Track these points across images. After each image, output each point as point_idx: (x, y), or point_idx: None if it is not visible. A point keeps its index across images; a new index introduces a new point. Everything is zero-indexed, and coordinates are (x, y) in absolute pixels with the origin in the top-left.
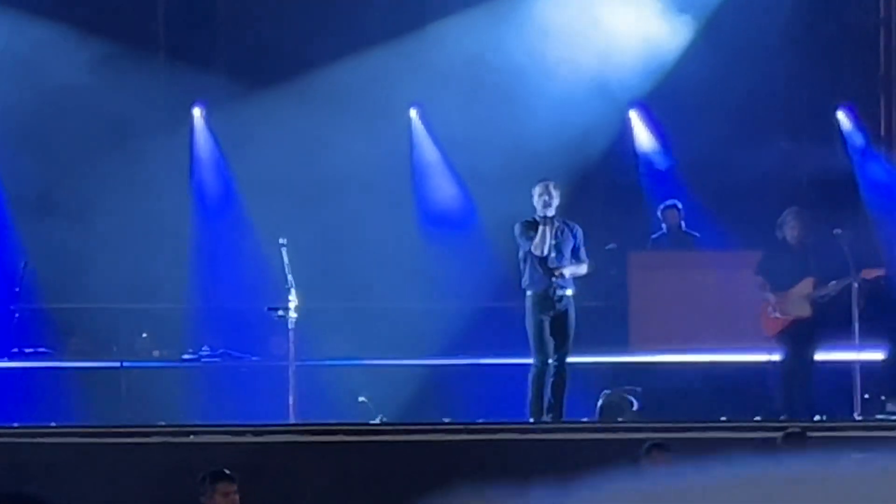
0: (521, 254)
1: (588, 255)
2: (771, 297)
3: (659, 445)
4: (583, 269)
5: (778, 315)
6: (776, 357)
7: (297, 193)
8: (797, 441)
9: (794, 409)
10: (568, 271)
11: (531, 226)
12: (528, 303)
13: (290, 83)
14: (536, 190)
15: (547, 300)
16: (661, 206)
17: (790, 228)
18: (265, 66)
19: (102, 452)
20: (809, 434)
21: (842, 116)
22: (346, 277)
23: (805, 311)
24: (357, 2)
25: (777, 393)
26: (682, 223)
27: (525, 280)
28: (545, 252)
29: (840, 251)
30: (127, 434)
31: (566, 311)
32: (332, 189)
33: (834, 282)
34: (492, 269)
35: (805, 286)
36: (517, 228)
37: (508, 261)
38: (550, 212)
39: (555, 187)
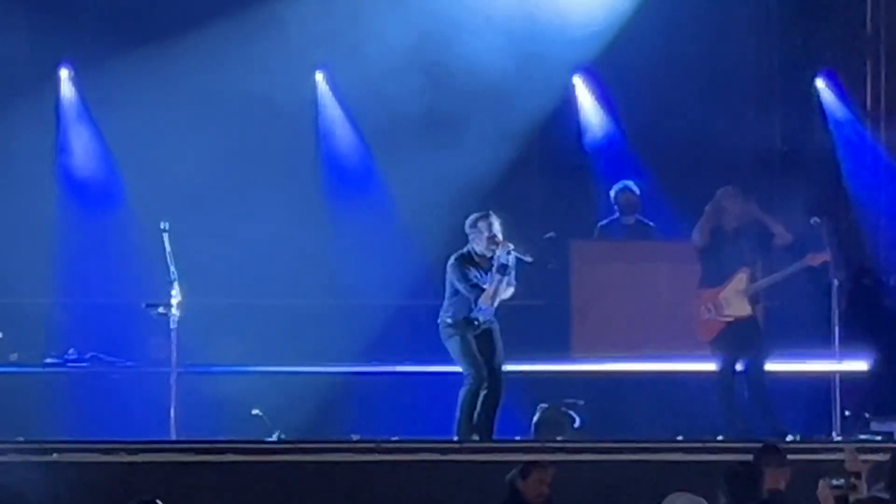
0: (450, 289)
1: (525, 250)
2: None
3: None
4: (509, 292)
5: (709, 317)
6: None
7: (182, 169)
8: (777, 463)
9: (738, 427)
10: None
11: (472, 265)
12: (448, 330)
13: (175, 39)
14: (482, 228)
15: (469, 324)
16: (615, 189)
17: (729, 211)
18: (145, 19)
19: None
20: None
21: (821, 85)
22: (238, 269)
23: (743, 309)
24: None
25: (716, 408)
26: (638, 209)
27: (447, 314)
28: (496, 304)
29: (818, 242)
30: None
31: (491, 323)
32: (224, 164)
33: (777, 273)
34: (410, 261)
35: (739, 281)
36: (455, 268)
37: (430, 252)
38: (503, 254)
39: (496, 219)
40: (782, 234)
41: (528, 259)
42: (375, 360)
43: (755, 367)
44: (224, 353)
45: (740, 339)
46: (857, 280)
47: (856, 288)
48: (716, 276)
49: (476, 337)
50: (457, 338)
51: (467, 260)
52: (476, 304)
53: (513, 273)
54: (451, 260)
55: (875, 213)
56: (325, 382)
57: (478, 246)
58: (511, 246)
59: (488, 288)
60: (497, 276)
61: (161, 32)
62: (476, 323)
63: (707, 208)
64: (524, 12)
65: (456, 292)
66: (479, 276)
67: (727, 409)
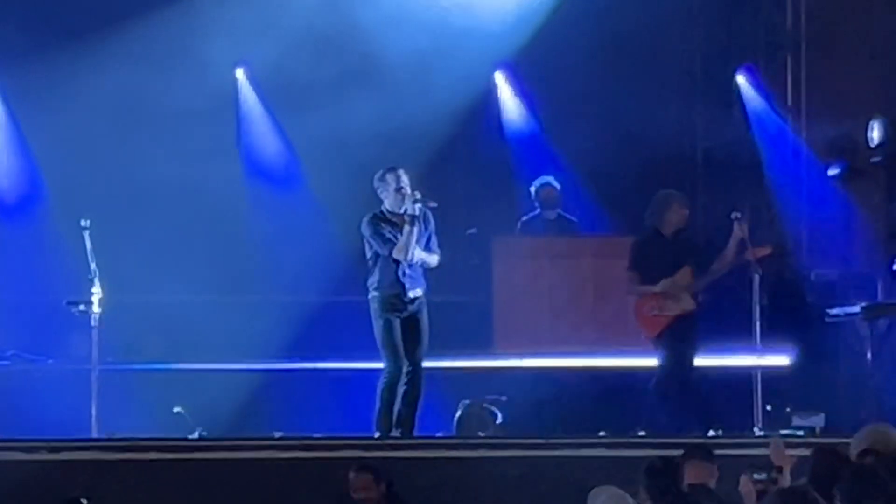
0: (369, 252)
1: (444, 242)
2: (649, 289)
3: None
4: (433, 259)
5: (657, 313)
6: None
7: (104, 165)
8: (702, 457)
9: (682, 421)
10: (418, 255)
11: (385, 222)
12: (374, 304)
13: (95, 39)
14: (389, 180)
15: (397, 300)
16: (536, 185)
17: (665, 214)
18: (66, 17)
19: None
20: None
21: (742, 80)
22: (159, 265)
23: (688, 304)
24: None
25: (659, 403)
26: (559, 204)
27: (372, 280)
28: (410, 258)
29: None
30: None
31: (419, 312)
32: (145, 160)
33: (715, 265)
34: (332, 258)
35: (683, 276)
36: (367, 226)
37: (351, 248)
38: (406, 206)
39: (404, 174)
40: (754, 266)
41: (433, 204)
42: (297, 356)
43: (690, 362)
44: (145, 351)
45: (683, 334)
46: (778, 274)
47: (777, 282)
48: (658, 275)
49: (403, 321)
50: (381, 321)
51: (379, 217)
52: (397, 265)
53: (434, 238)
54: (364, 220)
55: (796, 207)
56: (247, 379)
57: (388, 201)
58: (418, 194)
59: (401, 240)
60: (407, 228)
61: (81, 32)
62: (404, 300)
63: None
64: (445, 7)
65: (376, 255)
66: (392, 232)
67: (671, 404)
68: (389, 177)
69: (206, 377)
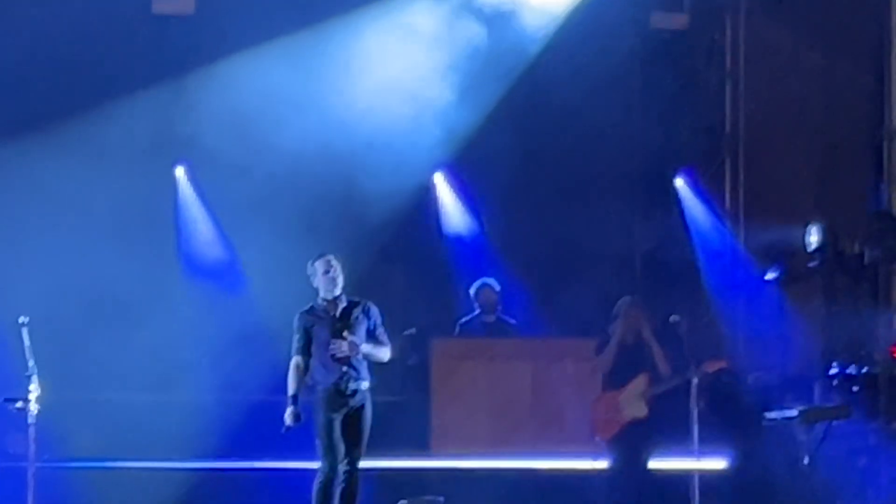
0: (299, 356)
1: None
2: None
3: None
4: (384, 352)
5: (610, 417)
6: (603, 464)
7: (41, 262)
8: None
9: None
10: (366, 347)
11: (312, 315)
12: (317, 399)
13: (33, 134)
14: (318, 267)
15: (339, 395)
16: (474, 287)
17: (625, 321)
18: (6, 109)
19: None
20: None
21: (680, 183)
22: (98, 363)
23: (640, 410)
24: (113, 44)
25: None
26: (499, 307)
27: (313, 375)
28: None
29: (677, 340)
30: None
31: (361, 408)
32: (85, 258)
33: (670, 375)
34: (270, 357)
35: (639, 383)
36: (296, 321)
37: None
38: (337, 291)
39: (337, 261)
40: (663, 367)
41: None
42: (235, 455)
43: (643, 466)
44: (83, 448)
45: (635, 439)
46: (716, 378)
47: (714, 386)
48: (616, 381)
49: (343, 418)
50: (321, 413)
51: (306, 312)
52: (336, 359)
53: (381, 329)
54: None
55: (734, 311)
56: (185, 478)
57: (320, 288)
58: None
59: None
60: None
61: (17, 128)
62: (344, 394)
63: (612, 326)
64: (386, 110)
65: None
66: (317, 329)
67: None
68: (318, 263)
69: (143, 475)
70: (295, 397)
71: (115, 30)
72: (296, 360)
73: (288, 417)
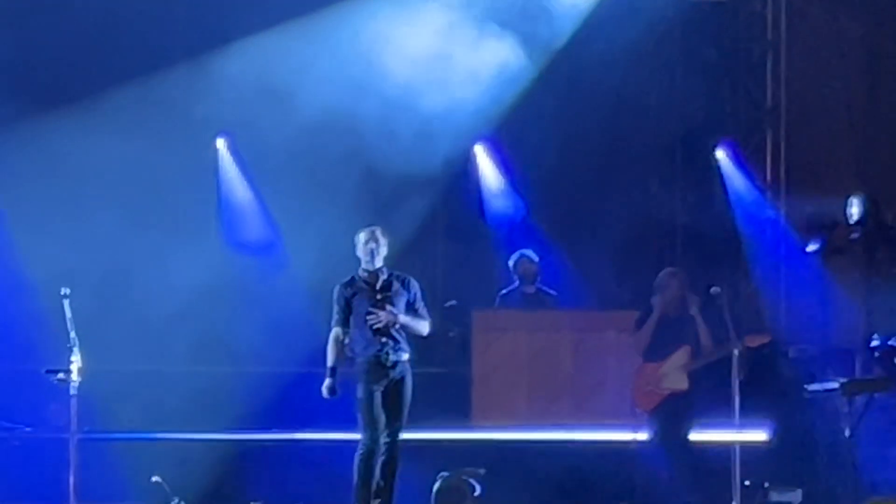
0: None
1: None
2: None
3: None
4: (423, 325)
5: (652, 389)
6: (643, 436)
7: (82, 235)
8: None
9: (667, 496)
10: (404, 318)
11: (351, 287)
12: (358, 370)
13: (75, 104)
14: (361, 237)
15: (379, 367)
16: (513, 259)
17: (666, 293)
18: (39, 85)
19: None
20: None
21: (721, 156)
22: (139, 334)
23: (682, 383)
24: (152, 16)
25: (645, 477)
26: (538, 278)
27: (353, 347)
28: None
29: (718, 312)
30: None
31: (401, 380)
32: (123, 229)
33: (712, 350)
34: (312, 325)
35: (681, 356)
36: (336, 292)
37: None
38: (378, 262)
39: (382, 234)
40: (706, 341)
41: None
42: (276, 426)
43: (683, 438)
44: (125, 420)
45: (675, 411)
46: (757, 351)
47: (756, 358)
48: (658, 353)
49: (384, 391)
50: (361, 390)
51: (346, 284)
52: (375, 330)
53: (420, 304)
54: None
55: (775, 283)
56: (226, 449)
57: (362, 259)
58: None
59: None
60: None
61: (61, 99)
62: (385, 366)
63: (653, 299)
64: (426, 83)
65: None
66: (357, 300)
67: (658, 478)
68: (362, 234)
69: (184, 447)
70: (333, 369)
71: (151, 2)
72: (335, 331)
73: (324, 390)
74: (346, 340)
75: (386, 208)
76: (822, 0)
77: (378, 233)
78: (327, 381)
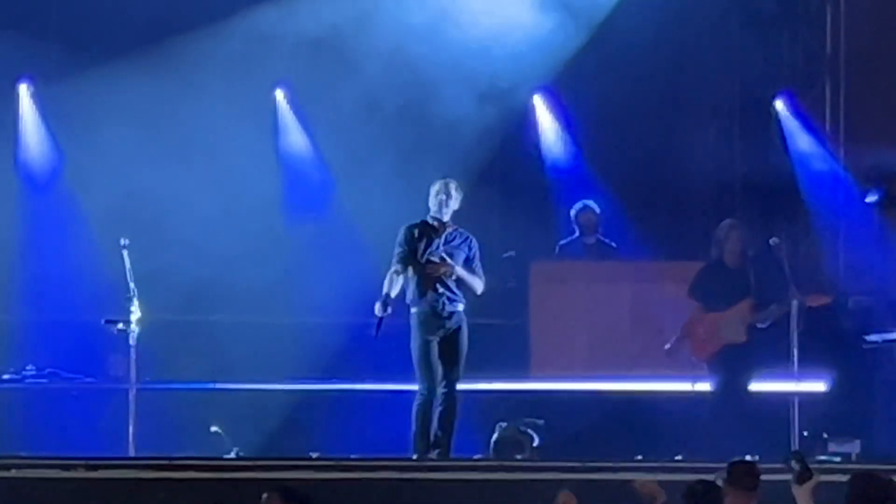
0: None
1: (484, 269)
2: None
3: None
4: (478, 283)
5: (709, 339)
6: (703, 386)
7: (142, 186)
8: (745, 487)
9: (724, 446)
10: (460, 271)
11: (417, 230)
12: (413, 321)
13: (136, 56)
14: (434, 187)
15: (435, 317)
16: (575, 209)
17: (726, 244)
18: (105, 36)
19: None
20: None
21: (780, 106)
22: (196, 285)
23: (740, 336)
24: None
25: (703, 427)
26: (599, 229)
27: (409, 295)
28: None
29: (778, 263)
30: None
31: (457, 330)
32: (183, 182)
33: (774, 305)
34: (370, 276)
35: (742, 309)
36: (400, 233)
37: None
38: (445, 214)
39: (456, 189)
40: (795, 294)
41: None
42: (335, 377)
43: (741, 389)
44: (183, 370)
45: (734, 362)
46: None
47: (815, 309)
48: (720, 303)
49: (440, 341)
50: (418, 340)
51: (411, 227)
52: (433, 280)
53: (477, 263)
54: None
55: (834, 234)
56: (284, 399)
57: (431, 206)
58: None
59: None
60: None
61: (121, 49)
62: (441, 316)
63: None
64: (484, 33)
65: (402, 267)
66: (423, 244)
67: (715, 429)
68: (436, 184)
69: (243, 397)
70: (387, 295)
71: None
72: (395, 268)
73: (377, 305)
74: (402, 282)
75: (442, 156)
76: None
77: (452, 186)
78: (381, 301)
